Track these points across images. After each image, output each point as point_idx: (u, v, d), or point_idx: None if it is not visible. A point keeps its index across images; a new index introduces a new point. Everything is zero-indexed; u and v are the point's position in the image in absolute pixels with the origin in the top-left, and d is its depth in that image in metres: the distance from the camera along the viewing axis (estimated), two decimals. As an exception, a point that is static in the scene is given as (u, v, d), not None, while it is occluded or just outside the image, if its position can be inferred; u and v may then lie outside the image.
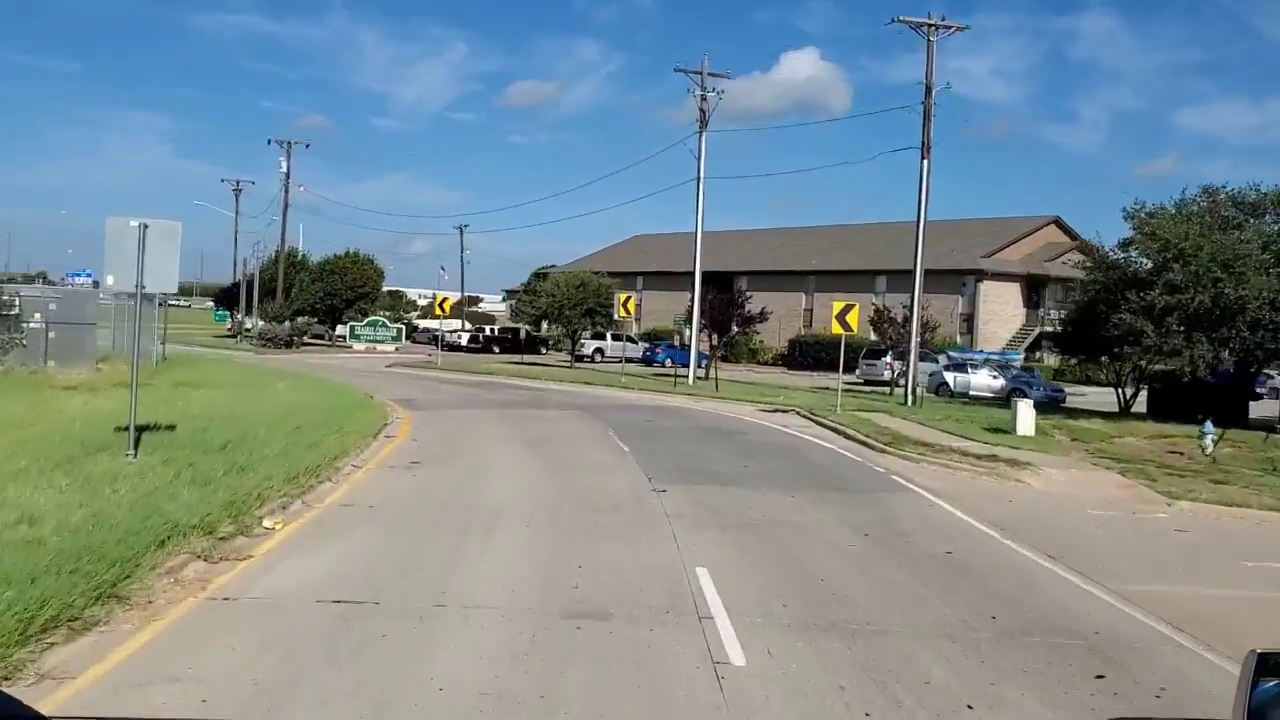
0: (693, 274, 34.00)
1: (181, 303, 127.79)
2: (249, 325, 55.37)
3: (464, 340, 62.34)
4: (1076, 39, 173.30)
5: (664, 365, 50.48)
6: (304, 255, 62.34)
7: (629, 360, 54.52)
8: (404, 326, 52.28)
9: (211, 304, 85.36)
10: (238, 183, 60.13)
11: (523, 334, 45.34)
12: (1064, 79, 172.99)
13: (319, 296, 52.36)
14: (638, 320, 55.34)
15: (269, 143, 53.31)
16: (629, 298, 39.09)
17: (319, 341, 57.45)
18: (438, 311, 45.47)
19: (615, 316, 37.20)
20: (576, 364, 41.46)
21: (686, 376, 32.83)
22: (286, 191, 52.60)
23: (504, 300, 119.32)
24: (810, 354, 50.75)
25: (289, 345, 47.25)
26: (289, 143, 52.56)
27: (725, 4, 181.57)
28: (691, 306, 32.14)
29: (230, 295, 66.31)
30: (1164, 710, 5.68)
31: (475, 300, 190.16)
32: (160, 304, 27.04)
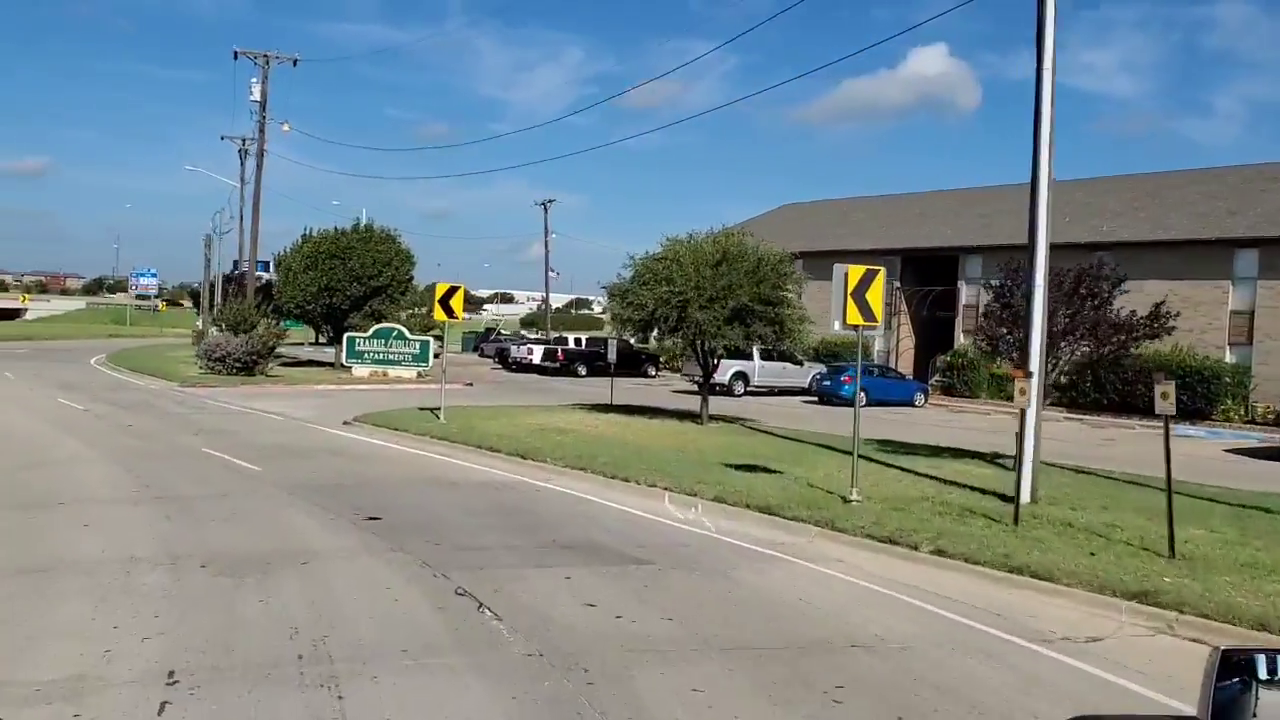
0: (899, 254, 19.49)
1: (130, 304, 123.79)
2: (214, 332, 44.08)
3: (536, 356, 49.63)
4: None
5: (851, 403, 36.42)
6: (310, 234, 50.99)
7: (783, 391, 41.04)
8: (430, 339, 39.47)
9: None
10: (243, 140, 49.08)
11: (613, 347, 32.86)
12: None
13: (313, 292, 40.35)
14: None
15: (235, 56, 41.07)
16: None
17: (295, 362, 45.38)
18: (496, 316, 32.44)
19: (787, 319, 23.35)
20: (709, 397, 27.65)
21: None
22: (262, 130, 40.88)
23: (604, 299, 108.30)
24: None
25: (247, 369, 35.16)
26: (265, 57, 40.79)
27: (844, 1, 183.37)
28: (1012, 295, 17.15)
29: (224, 292, 55.46)
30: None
31: (582, 304, 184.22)
32: None
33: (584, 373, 47.95)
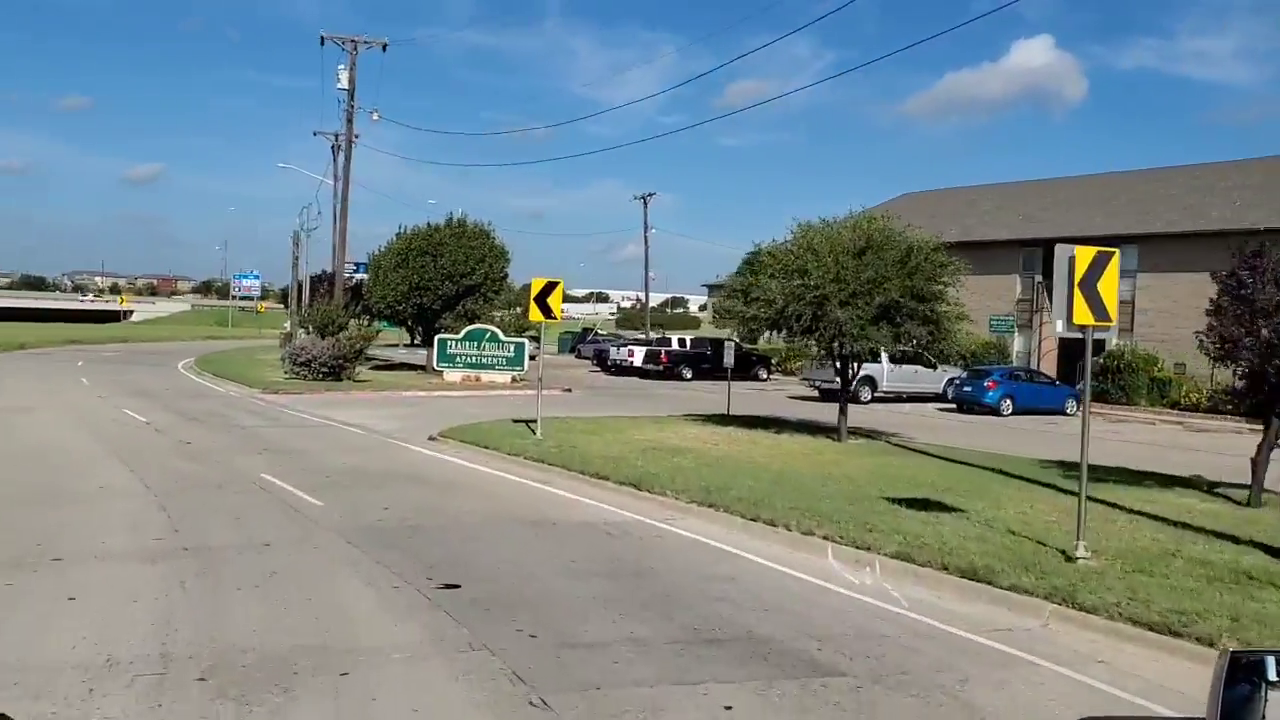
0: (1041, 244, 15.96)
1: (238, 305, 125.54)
2: (303, 334, 42.25)
3: (637, 358, 46.70)
4: None
5: (998, 411, 32.52)
6: (404, 231, 49.16)
7: (912, 398, 37.19)
8: (525, 341, 36.72)
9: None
10: (335, 136, 47.48)
11: (730, 350, 29.78)
12: None
13: (403, 291, 38.11)
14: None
15: (322, 42, 39.09)
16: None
17: (387, 365, 43.28)
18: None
19: (944, 317, 19.83)
20: (845, 407, 24.33)
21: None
22: (350, 120, 38.77)
23: (708, 297, 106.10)
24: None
25: (334, 374, 32.98)
26: (353, 42, 38.68)
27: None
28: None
29: (313, 292, 54.00)
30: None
31: (678, 303, 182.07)
32: None
33: (689, 376, 44.86)
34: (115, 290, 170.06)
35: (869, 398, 36.53)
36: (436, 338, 36.10)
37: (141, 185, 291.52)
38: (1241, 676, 2.09)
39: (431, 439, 20.35)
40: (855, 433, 22.83)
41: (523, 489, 15.05)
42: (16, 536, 10.43)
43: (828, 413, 30.06)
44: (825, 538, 11.48)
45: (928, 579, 10.13)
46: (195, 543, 10.39)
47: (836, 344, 20.51)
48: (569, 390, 35.15)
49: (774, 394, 38.81)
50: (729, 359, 26.86)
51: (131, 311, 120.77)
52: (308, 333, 38.72)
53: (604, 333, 78.79)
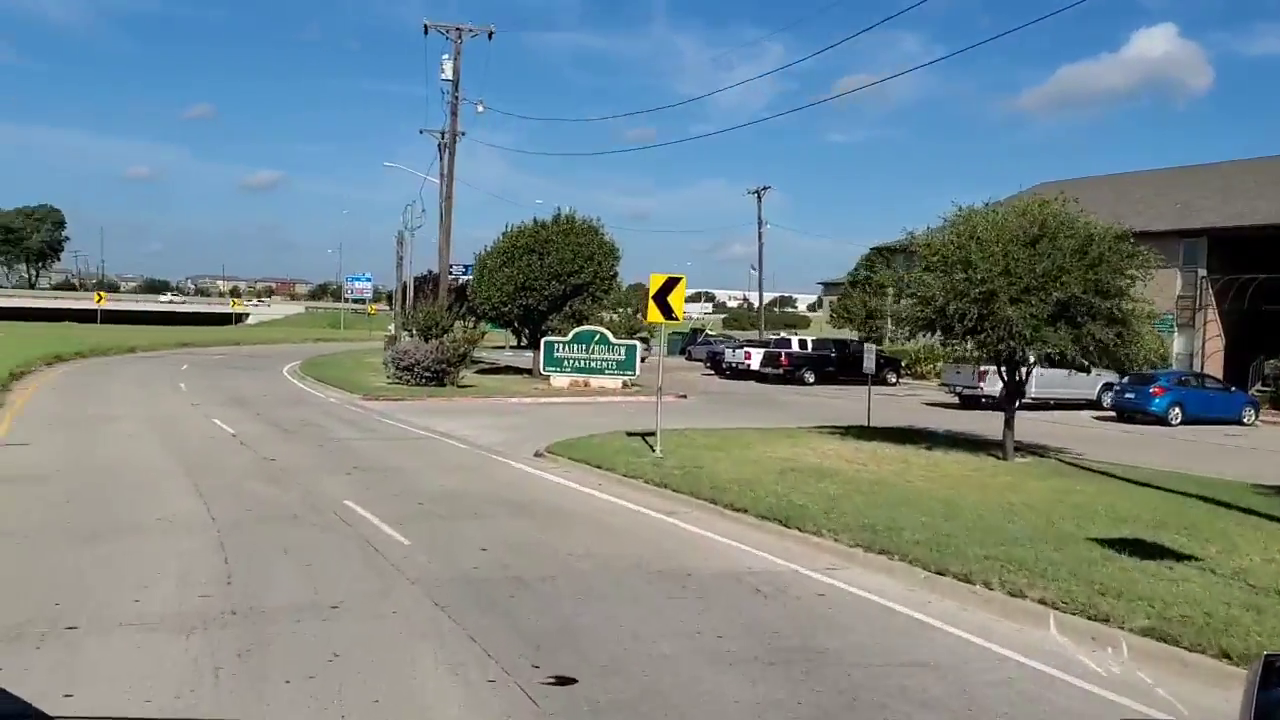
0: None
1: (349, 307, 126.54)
2: (406, 337, 40.93)
3: (755, 361, 44.15)
4: None
5: (1165, 420, 28.96)
6: (509, 230, 47.65)
7: (1061, 405, 33.57)
8: (637, 344, 34.48)
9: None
10: (442, 134, 46.17)
11: (872, 354, 26.88)
12: None
13: (509, 291, 36.33)
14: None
15: (426, 31, 37.53)
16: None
17: (492, 368, 41.61)
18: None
19: (1132, 316, 16.86)
20: (1012, 418, 21.56)
21: None
22: (454, 112, 37.19)
23: (821, 295, 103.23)
24: None
25: (437, 379, 31.35)
26: (458, 30, 37.07)
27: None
28: None
29: (417, 293, 52.90)
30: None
31: (786, 301, 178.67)
32: None
33: (811, 380, 42.10)
34: (235, 293, 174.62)
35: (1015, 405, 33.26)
36: (543, 340, 34.19)
37: (261, 191, 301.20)
38: (1276, 680, 2.05)
39: (538, 455, 18.26)
40: (1017, 448, 19.91)
41: (644, 521, 12.76)
42: (39, 589, 8.59)
43: (976, 422, 27.12)
44: (1043, 602, 8.88)
45: (1201, 670, 7.49)
46: (248, 603, 8.37)
47: (1005, 347, 17.68)
48: (684, 396, 32.83)
49: (908, 400, 35.82)
50: (870, 363, 24.05)
51: (247, 314, 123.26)
52: (411, 335, 37.29)
53: (713, 333, 76.35)
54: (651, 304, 17.18)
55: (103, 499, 12.85)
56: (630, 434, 20.38)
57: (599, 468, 16.32)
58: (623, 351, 33.58)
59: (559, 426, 23.36)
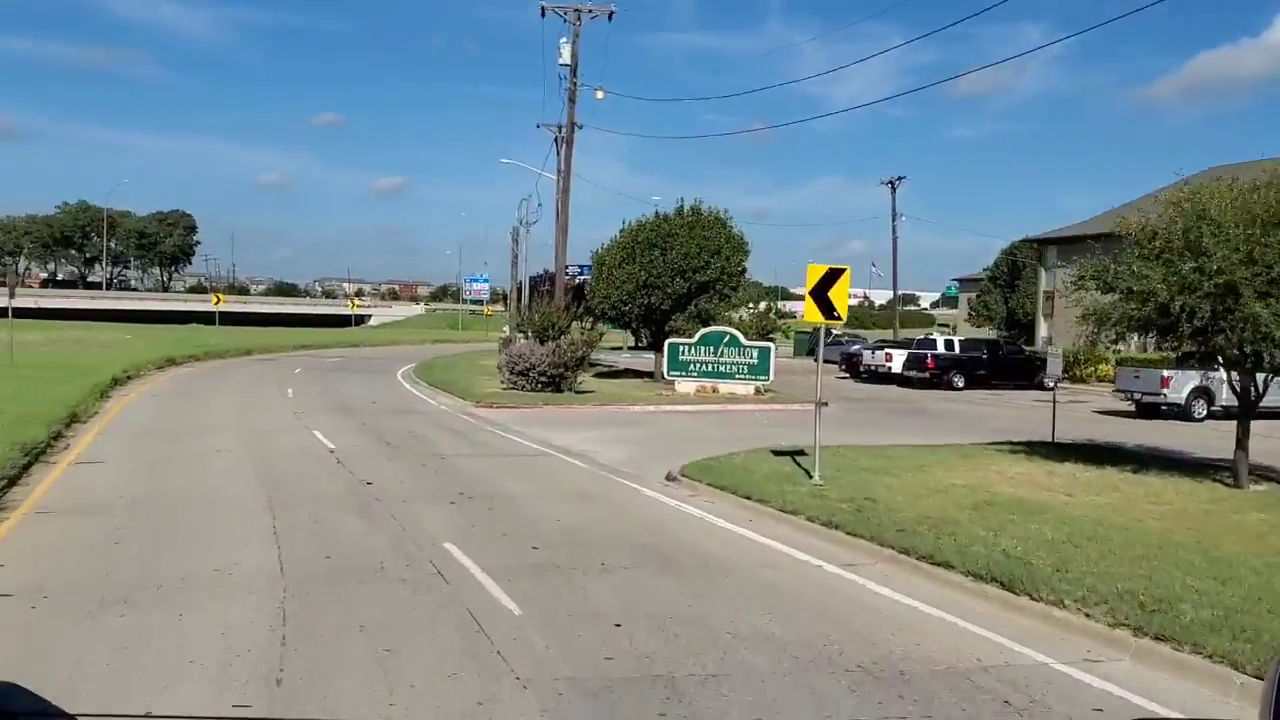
0: None
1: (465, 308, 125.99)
2: (521, 339, 38.93)
3: (896, 364, 40.78)
4: None
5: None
6: (631, 224, 45.46)
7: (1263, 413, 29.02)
8: (770, 346, 31.56)
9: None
10: (559, 127, 44.24)
11: (1057, 360, 23.72)
12: None
13: (629, 290, 33.94)
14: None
15: (543, 13, 35.34)
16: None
17: (611, 372, 39.23)
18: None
19: None
20: (1243, 436, 18.04)
21: None
22: (572, 99, 34.97)
23: (956, 292, 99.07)
24: None
25: (554, 384, 29.11)
26: (576, 11, 34.82)
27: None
28: None
29: (533, 293, 51.04)
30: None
31: (908, 300, 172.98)
32: None
33: (961, 385, 38.57)
34: (360, 295, 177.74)
35: (1203, 414, 29.27)
36: (666, 342, 31.61)
37: (386, 196, 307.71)
38: None
39: (671, 479, 15.66)
40: (1255, 472, 16.41)
41: (820, 581, 10.00)
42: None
43: (1166, 435, 23.50)
44: None
45: None
46: (295, 722, 5.98)
47: (1249, 350, 14.30)
48: (824, 404, 29.83)
49: (1074, 408, 32.05)
50: (1055, 369, 20.72)
51: (369, 316, 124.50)
52: (526, 337, 35.24)
53: (838, 331, 72.64)
54: (809, 300, 14.40)
55: (159, 540, 10.75)
56: (776, 452, 17.64)
57: (748, 498, 13.61)
58: (755, 354, 30.73)
59: (689, 441, 20.78)
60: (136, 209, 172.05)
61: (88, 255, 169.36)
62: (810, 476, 14.70)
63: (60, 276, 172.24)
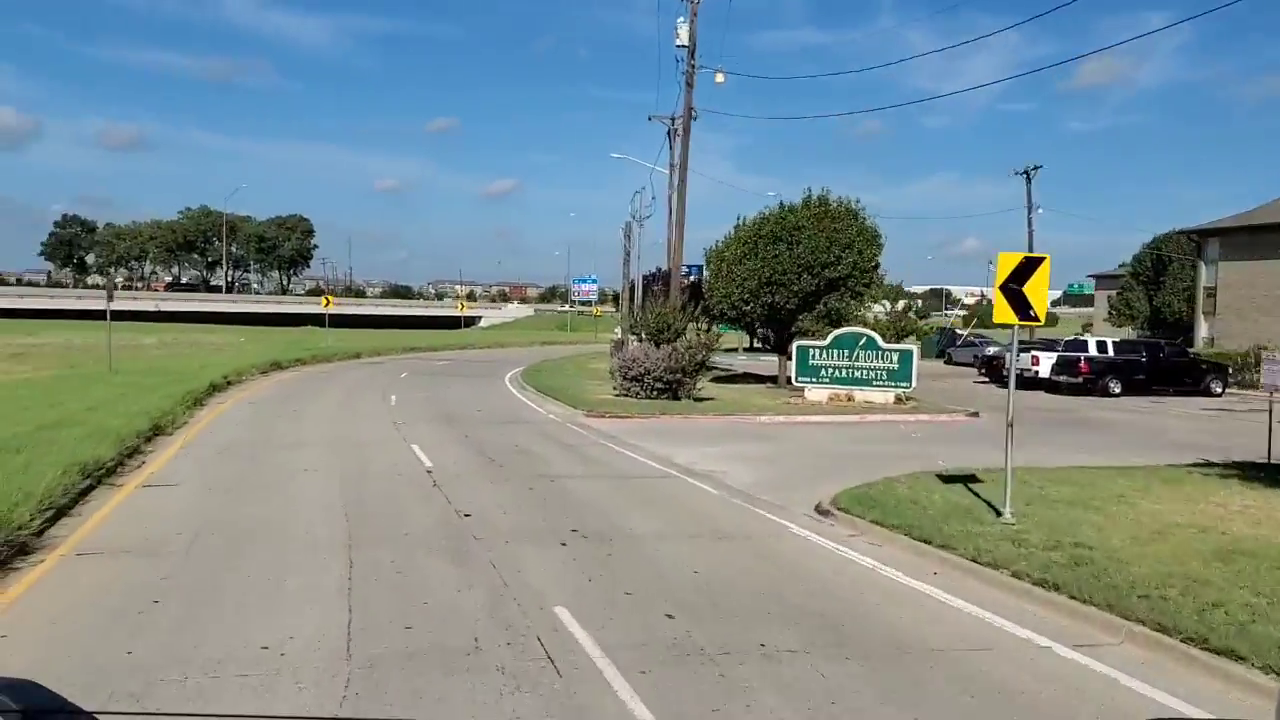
0: None
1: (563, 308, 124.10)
2: (634, 341, 36.75)
3: (1043, 367, 37.29)
4: None
5: None
6: (743, 222, 42.90)
7: None
8: (912, 349, 28.61)
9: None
10: (672, 119, 42.06)
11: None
12: None
13: (750, 288, 31.43)
14: None
15: (656, -7, 33.06)
16: None
17: (728, 376, 36.73)
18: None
19: None
20: None
21: None
22: (689, 84, 32.65)
23: (1070, 291, 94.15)
24: None
25: (670, 391, 26.83)
26: (693, -12, 32.44)
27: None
28: None
29: (645, 293, 48.85)
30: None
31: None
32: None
33: (1117, 390, 34.96)
34: (471, 297, 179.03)
35: None
36: (795, 345, 28.95)
37: (497, 199, 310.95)
38: None
39: (823, 512, 13.15)
40: None
41: (1056, 673, 7.39)
42: None
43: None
44: None
45: None
46: None
47: None
48: (974, 414, 26.89)
49: (1252, 418, 28.33)
50: (1275, 378, 17.31)
51: (478, 317, 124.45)
52: (640, 340, 33.03)
53: (963, 331, 68.72)
54: (998, 297, 11.68)
55: (208, 597, 8.75)
56: (944, 478, 14.95)
57: (928, 543, 11.01)
58: (895, 358, 27.85)
59: (830, 460, 18.31)
60: (256, 214, 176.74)
61: (210, 259, 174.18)
62: (998, 513, 12.03)
63: (184, 280, 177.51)
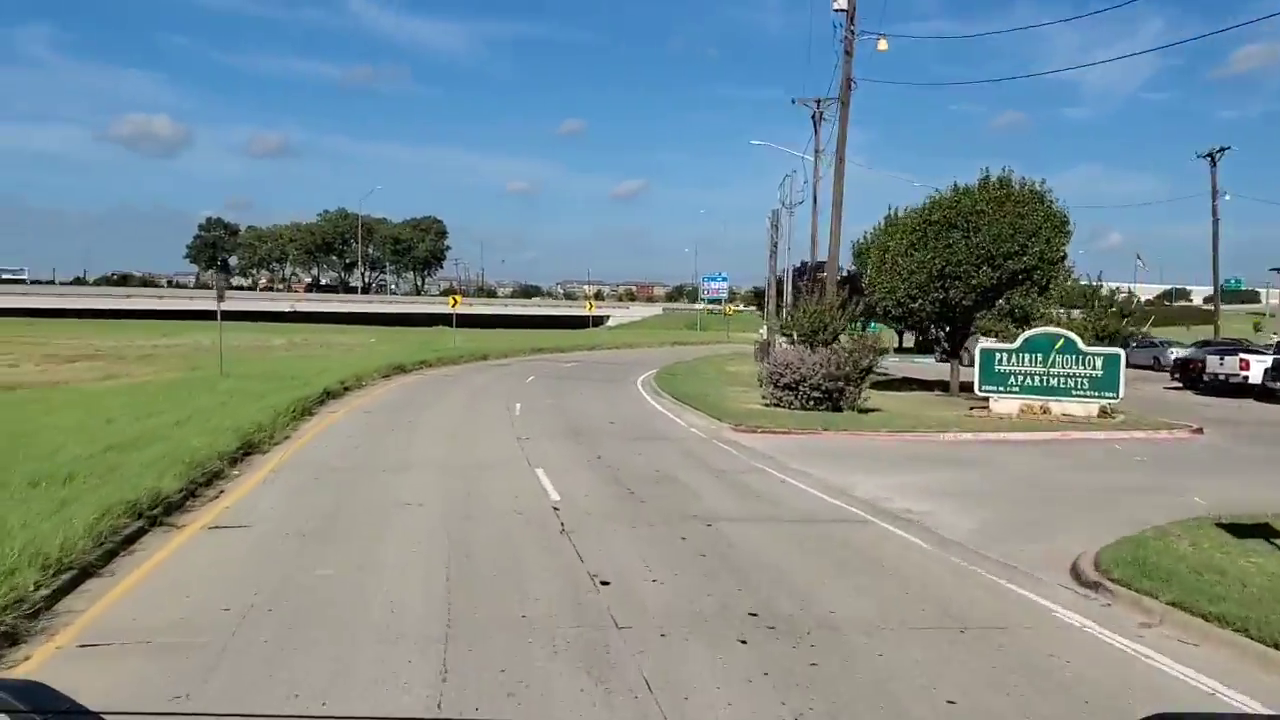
0: None
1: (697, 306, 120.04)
2: (780, 343, 33.27)
3: (1254, 373, 32.29)
4: None
5: None
6: (893, 213, 39.12)
7: None
8: (1120, 354, 24.29)
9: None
10: (818, 102, 38.46)
11: None
12: None
13: (920, 282, 27.64)
14: None
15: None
16: None
17: (885, 381, 32.88)
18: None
19: None
20: None
21: None
22: (848, 50, 29.02)
23: (1229, 287, 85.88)
24: None
25: (830, 401, 23.36)
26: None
27: None
28: None
29: (786, 289, 45.21)
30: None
31: (1179, 294, 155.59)
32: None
33: (1358, 401, 29.71)
34: (598, 297, 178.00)
35: None
36: (979, 347, 24.99)
37: (625, 199, 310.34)
38: None
39: (1087, 583, 9.54)
40: None
41: None
42: None
43: None
44: None
45: None
46: None
47: None
48: (1198, 431, 22.53)
49: None
50: None
51: (606, 317, 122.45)
52: (791, 341, 29.56)
53: (1142, 331, 62.65)
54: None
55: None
56: (1231, 528, 11.11)
57: (1261, 639, 7.38)
58: (1099, 364, 23.64)
59: (1054, 495, 14.67)
60: (391, 216, 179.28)
61: (347, 260, 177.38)
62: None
63: (324, 281, 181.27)
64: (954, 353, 29.73)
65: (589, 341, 73.04)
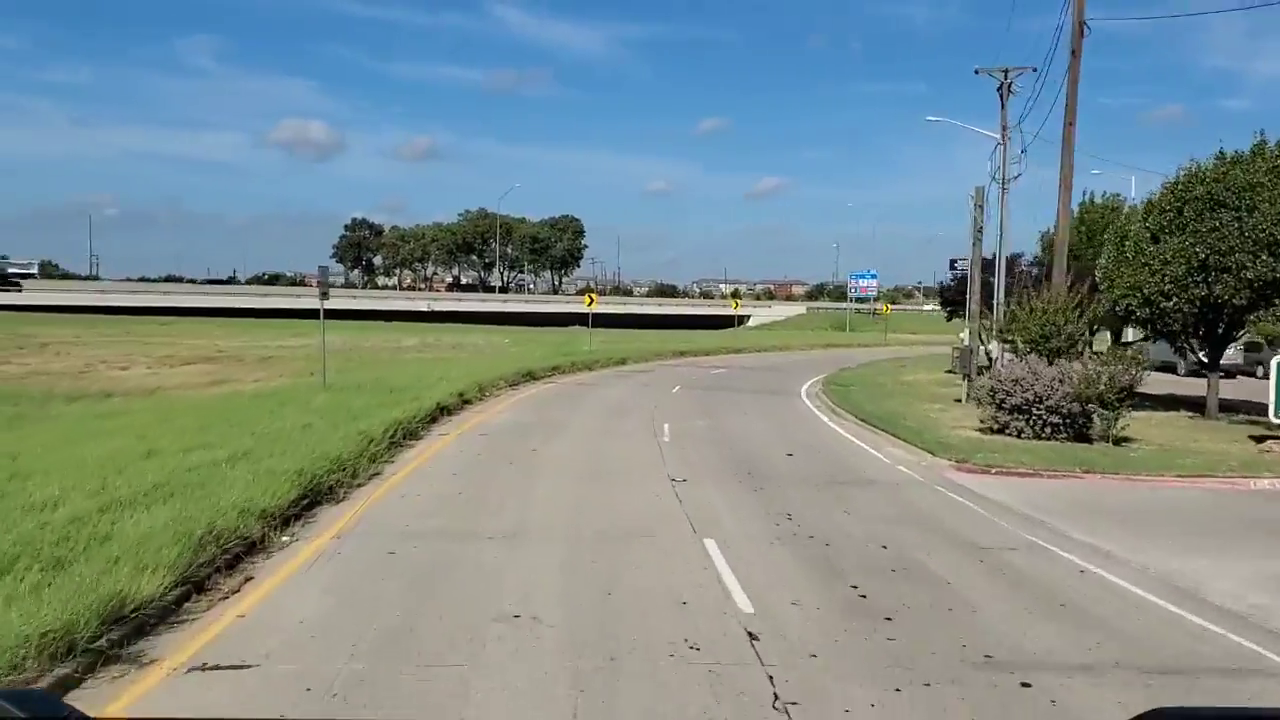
0: None
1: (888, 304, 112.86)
2: (990, 352, 27.45)
3: None
4: None
5: None
6: (1089, 200, 32.83)
7: None
8: None
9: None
10: (1005, 73, 32.49)
11: None
12: None
13: (1177, 275, 21.62)
14: None
15: None
16: None
17: (1164, 399, 26.80)
18: None
19: None
20: None
21: None
22: (1079, 19, 23.19)
23: None
24: None
25: (1074, 428, 17.77)
26: None
27: None
28: None
29: (961, 289, 39.14)
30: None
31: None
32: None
33: None
34: (736, 295, 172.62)
35: None
36: (1275, 361, 18.87)
37: (764, 197, 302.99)
38: None
39: None
40: None
41: None
42: None
43: None
44: None
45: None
46: None
47: None
48: None
49: None
50: None
51: (748, 316, 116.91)
52: (1014, 349, 23.79)
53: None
54: None
55: None
56: None
57: None
58: None
59: None
60: (529, 215, 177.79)
61: (486, 260, 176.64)
62: None
63: (464, 281, 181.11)
64: (1214, 363, 23.54)
65: (734, 343, 67.79)
